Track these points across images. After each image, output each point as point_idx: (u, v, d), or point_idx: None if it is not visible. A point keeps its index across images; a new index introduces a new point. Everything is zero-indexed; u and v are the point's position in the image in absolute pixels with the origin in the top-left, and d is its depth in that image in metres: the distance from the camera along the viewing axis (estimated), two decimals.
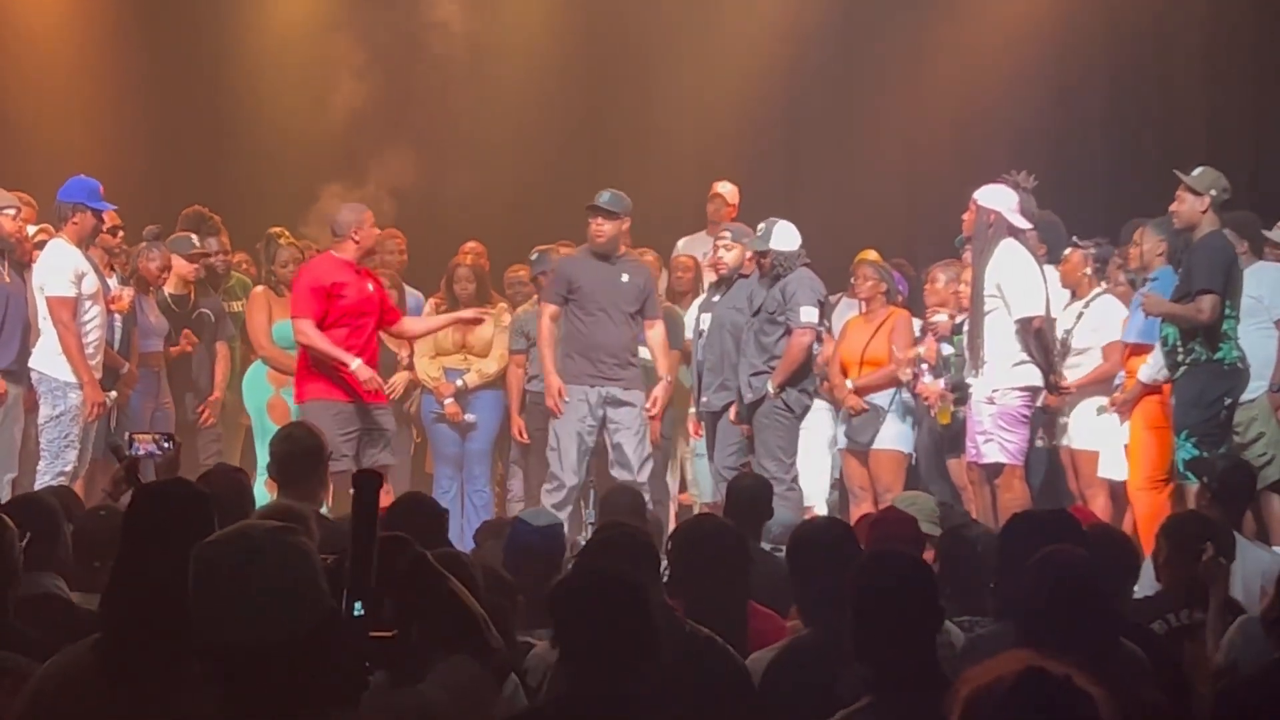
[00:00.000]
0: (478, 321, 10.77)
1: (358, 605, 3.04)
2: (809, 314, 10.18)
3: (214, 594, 2.95)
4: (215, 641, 2.94)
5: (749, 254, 10.56)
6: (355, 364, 9.47)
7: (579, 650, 4.13)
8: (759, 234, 10.34)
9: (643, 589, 4.23)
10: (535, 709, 4.51)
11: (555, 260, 11.03)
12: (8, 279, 9.86)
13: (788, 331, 10.18)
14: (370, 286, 9.77)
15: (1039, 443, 10.17)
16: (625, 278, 10.51)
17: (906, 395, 10.84)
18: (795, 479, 10.22)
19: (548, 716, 4.29)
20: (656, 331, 10.65)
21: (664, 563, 5.75)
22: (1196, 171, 9.30)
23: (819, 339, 10.51)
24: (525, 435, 11.14)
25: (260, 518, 4.38)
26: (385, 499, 9.56)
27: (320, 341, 9.52)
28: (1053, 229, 10.47)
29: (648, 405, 10.51)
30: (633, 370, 10.55)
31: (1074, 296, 10.42)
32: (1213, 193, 9.21)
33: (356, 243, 9.73)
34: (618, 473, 10.39)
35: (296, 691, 2.93)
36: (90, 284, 9.80)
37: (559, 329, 10.60)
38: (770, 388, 10.13)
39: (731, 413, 10.35)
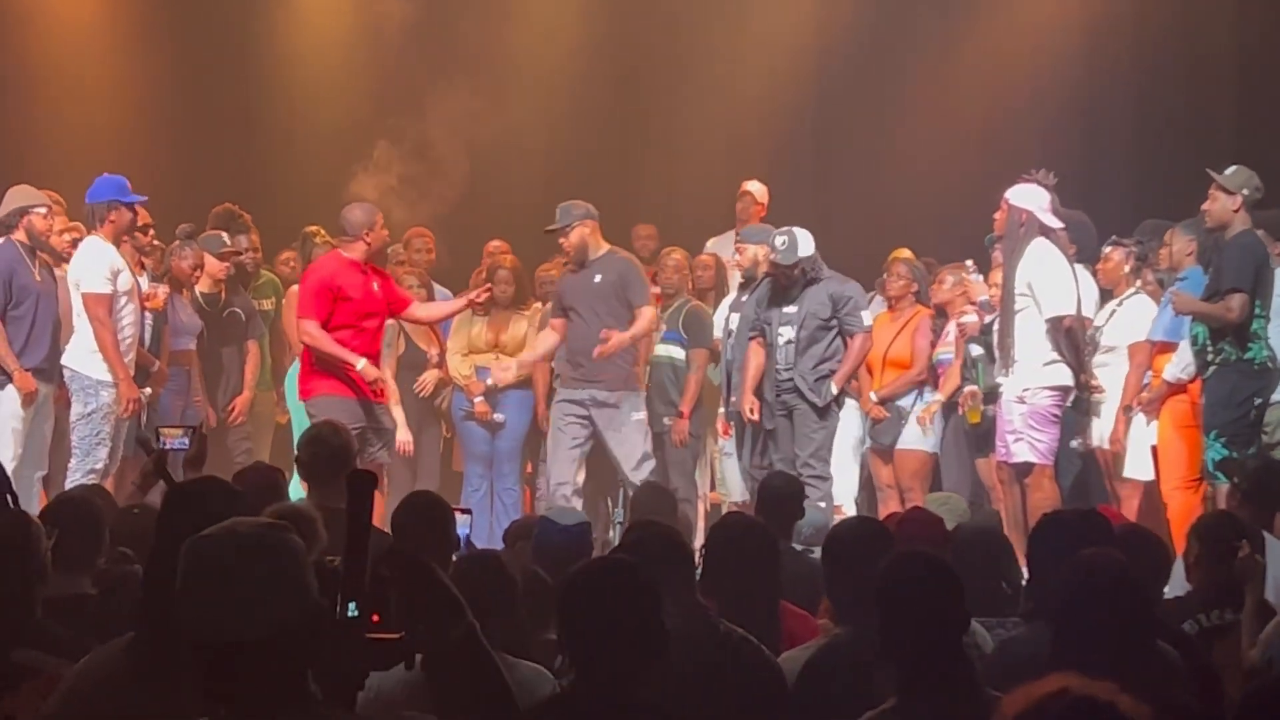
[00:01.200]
0: (487, 294, 10.71)
1: (352, 606, 3.03)
2: (869, 318, 10.47)
3: (199, 587, 2.96)
4: (199, 635, 2.95)
5: (763, 256, 10.59)
6: (361, 364, 9.51)
7: (582, 643, 4.03)
8: (782, 247, 10.30)
9: (649, 581, 4.11)
10: (532, 709, 4.43)
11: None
12: (39, 278, 9.89)
13: (839, 334, 10.25)
14: (376, 285, 9.80)
15: (1074, 444, 10.15)
16: (598, 278, 10.55)
17: (929, 396, 10.87)
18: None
19: (545, 715, 4.15)
20: (639, 318, 10.59)
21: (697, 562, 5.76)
22: (1229, 170, 9.27)
23: None
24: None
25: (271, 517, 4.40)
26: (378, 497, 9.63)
27: (325, 343, 9.54)
28: (1082, 229, 10.43)
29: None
30: (615, 370, 10.57)
31: (1112, 294, 10.41)
32: (1245, 192, 9.19)
33: (367, 244, 9.77)
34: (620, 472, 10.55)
35: (282, 687, 2.94)
36: (125, 281, 9.84)
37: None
38: (835, 390, 10.23)
39: (752, 411, 10.34)
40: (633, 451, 10.55)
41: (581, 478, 10.57)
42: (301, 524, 4.55)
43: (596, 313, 10.48)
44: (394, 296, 9.98)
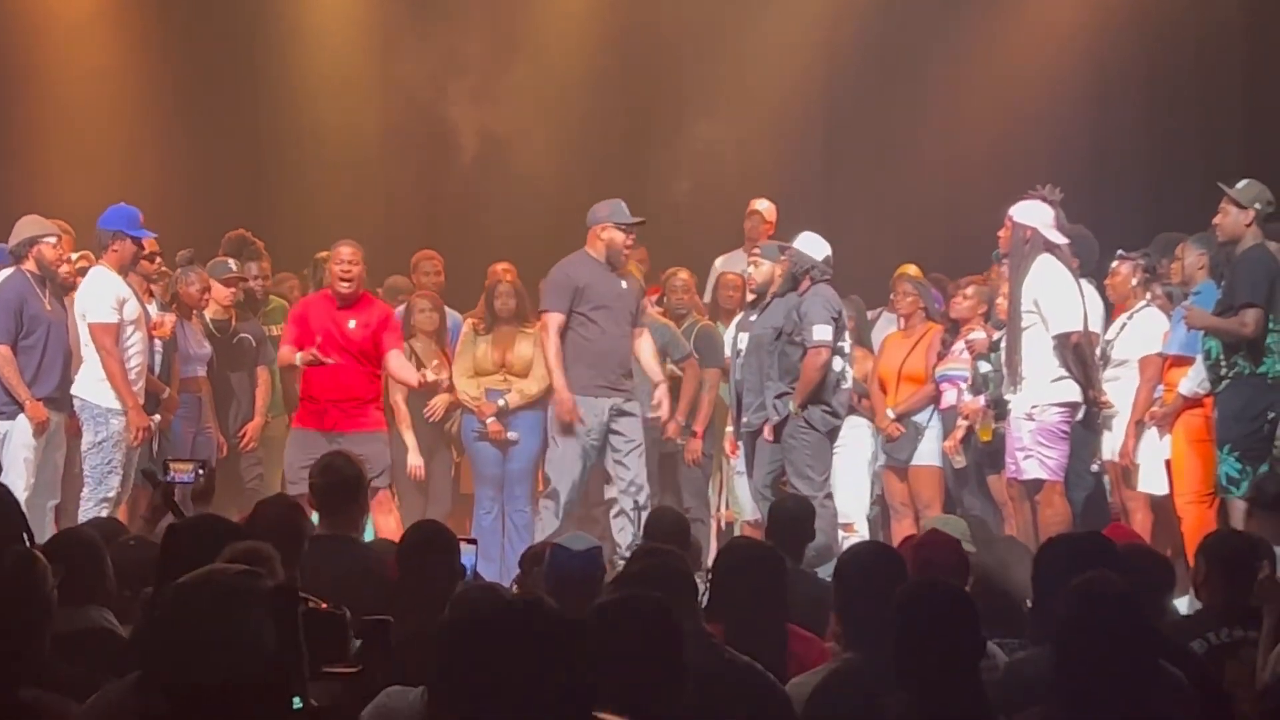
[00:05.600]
0: (434, 385, 10.72)
1: (296, 700, 3.09)
2: (821, 332, 10.06)
3: (167, 633, 3.04)
4: (168, 678, 3.01)
5: (778, 270, 10.57)
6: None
7: (609, 675, 4.07)
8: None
9: (678, 619, 4.19)
10: None
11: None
12: (49, 307, 9.92)
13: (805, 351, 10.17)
14: (353, 323, 9.94)
15: (1094, 467, 10.12)
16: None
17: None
18: (828, 495, 10.15)
19: None
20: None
21: (703, 588, 5.74)
22: (1241, 184, 9.26)
23: (843, 355, 10.37)
24: None
25: (230, 558, 4.39)
26: (385, 516, 9.68)
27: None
28: (1084, 242, 10.37)
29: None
30: None
31: (1120, 308, 10.37)
32: (1257, 206, 9.19)
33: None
34: None
35: None
36: (132, 310, 9.87)
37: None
38: (792, 407, 10.10)
39: (766, 431, 10.30)
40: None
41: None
42: (261, 564, 4.53)
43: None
44: (379, 340, 10.06)
